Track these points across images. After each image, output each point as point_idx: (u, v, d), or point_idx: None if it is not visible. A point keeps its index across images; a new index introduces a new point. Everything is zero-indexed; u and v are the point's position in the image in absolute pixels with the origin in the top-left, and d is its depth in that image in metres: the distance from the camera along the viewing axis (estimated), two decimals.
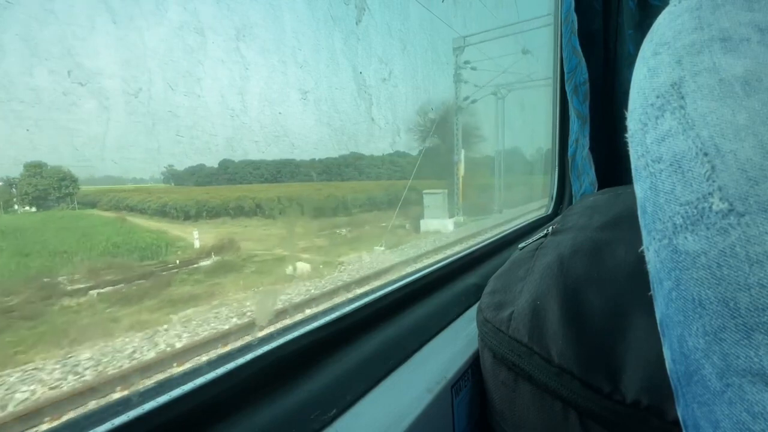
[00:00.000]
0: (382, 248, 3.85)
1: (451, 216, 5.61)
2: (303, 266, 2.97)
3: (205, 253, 3.22)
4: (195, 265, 2.95)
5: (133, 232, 3.68)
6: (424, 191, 5.52)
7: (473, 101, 5.54)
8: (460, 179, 5.60)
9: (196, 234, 3.69)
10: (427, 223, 5.30)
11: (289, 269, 2.95)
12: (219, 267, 3.02)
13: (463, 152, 5.47)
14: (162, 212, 4.30)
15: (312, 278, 2.80)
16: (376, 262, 3.32)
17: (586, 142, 0.89)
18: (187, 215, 4.35)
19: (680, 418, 0.20)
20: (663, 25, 0.24)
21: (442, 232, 5.16)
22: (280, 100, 0.82)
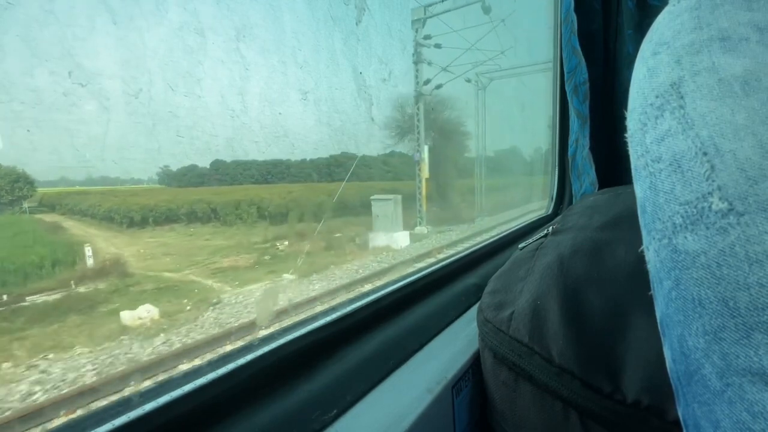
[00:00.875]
0: (293, 276, 3.08)
1: (414, 226, 4.58)
2: (150, 313, 2.33)
3: (76, 278, 2.57)
4: (29, 302, 2.21)
5: (29, 246, 3.05)
6: (372, 197, 4.50)
7: (438, 86, 4.53)
8: (423, 182, 4.63)
9: (89, 251, 3.12)
10: (376, 238, 4.25)
11: (140, 315, 2.30)
12: (62, 303, 2.27)
13: (426, 149, 4.57)
14: (108, 218, 4.03)
15: (146, 334, 2.13)
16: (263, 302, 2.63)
17: (586, 142, 0.89)
18: (131, 222, 4.05)
19: (681, 418, 0.20)
20: (662, 25, 0.24)
21: (392, 249, 4.07)
22: (280, 100, 0.82)
